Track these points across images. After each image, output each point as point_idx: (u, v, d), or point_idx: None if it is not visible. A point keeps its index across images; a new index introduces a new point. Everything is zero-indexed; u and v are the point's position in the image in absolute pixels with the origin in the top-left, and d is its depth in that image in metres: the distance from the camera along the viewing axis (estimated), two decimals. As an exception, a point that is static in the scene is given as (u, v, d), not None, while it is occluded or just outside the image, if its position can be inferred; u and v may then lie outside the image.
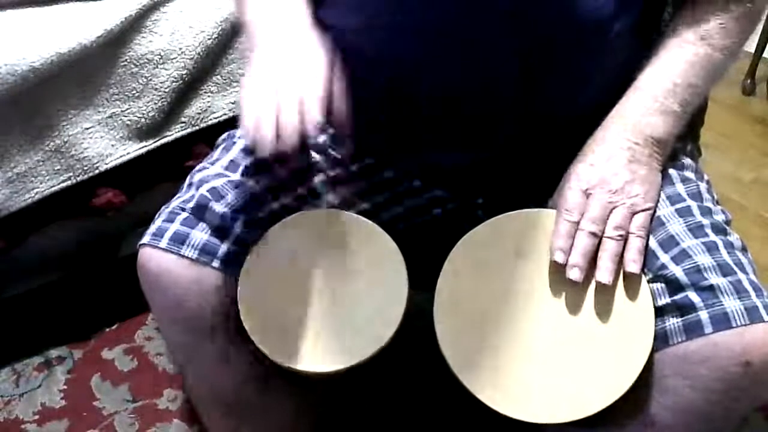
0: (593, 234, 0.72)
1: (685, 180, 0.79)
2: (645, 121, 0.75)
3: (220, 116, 1.29)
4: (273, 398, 0.88)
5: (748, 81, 2.21)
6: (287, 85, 0.71)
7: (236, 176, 0.81)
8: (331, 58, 0.75)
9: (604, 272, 0.71)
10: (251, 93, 0.72)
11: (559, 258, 0.72)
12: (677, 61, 0.76)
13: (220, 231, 0.77)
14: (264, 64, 0.74)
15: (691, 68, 0.76)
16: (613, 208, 0.73)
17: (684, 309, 0.68)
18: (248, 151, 0.84)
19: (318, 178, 0.86)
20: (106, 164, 1.22)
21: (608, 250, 0.71)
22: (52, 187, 1.20)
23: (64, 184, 1.21)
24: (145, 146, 1.25)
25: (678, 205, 0.76)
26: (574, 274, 0.71)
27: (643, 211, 0.73)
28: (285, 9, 0.79)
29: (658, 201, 0.75)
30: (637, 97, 0.77)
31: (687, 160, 0.83)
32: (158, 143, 1.26)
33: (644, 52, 0.79)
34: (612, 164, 0.74)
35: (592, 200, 0.73)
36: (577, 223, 0.73)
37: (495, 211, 0.77)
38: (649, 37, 0.81)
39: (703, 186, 0.80)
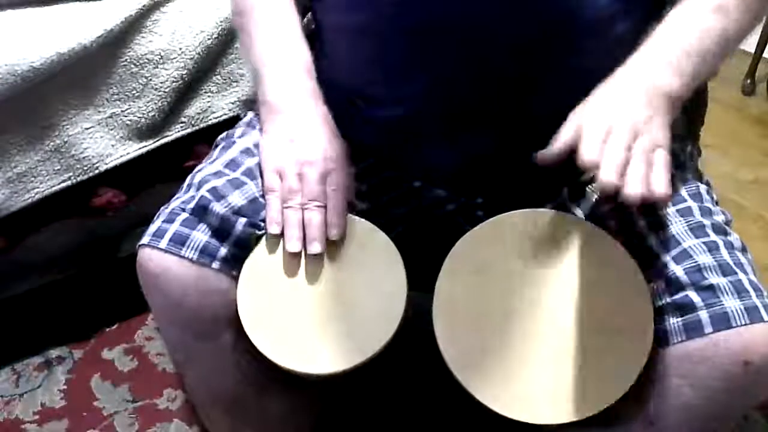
0: (627, 148, 0.66)
1: (685, 180, 0.79)
2: (659, 79, 0.72)
3: (220, 116, 1.29)
4: (272, 399, 0.88)
5: (748, 81, 2.21)
6: (311, 189, 0.76)
7: (236, 176, 0.81)
8: (346, 152, 0.81)
9: (637, 184, 0.64)
10: (272, 180, 0.78)
11: (593, 155, 0.66)
12: (692, 28, 0.74)
13: (220, 232, 0.77)
14: (279, 140, 0.80)
15: (707, 36, 0.73)
16: (638, 136, 0.68)
17: (684, 309, 0.68)
18: (247, 151, 0.84)
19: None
20: (106, 164, 1.22)
21: (637, 167, 0.66)
22: (52, 187, 1.20)
23: (64, 184, 1.21)
24: (145, 146, 1.25)
25: (679, 206, 0.76)
26: (633, 189, 0.64)
27: (664, 147, 0.69)
28: (288, 72, 0.82)
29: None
30: (654, 48, 0.73)
31: (687, 161, 0.83)
32: (158, 143, 1.26)
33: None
34: (631, 100, 0.70)
35: (618, 122, 0.68)
36: (608, 133, 0.68)
37: (495, 211, 0.77)
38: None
39: (703, 186, 0.80)
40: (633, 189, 0.64)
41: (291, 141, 0.79)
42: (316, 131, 0.79)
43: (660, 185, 0.65)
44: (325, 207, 0.77)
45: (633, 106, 0.69)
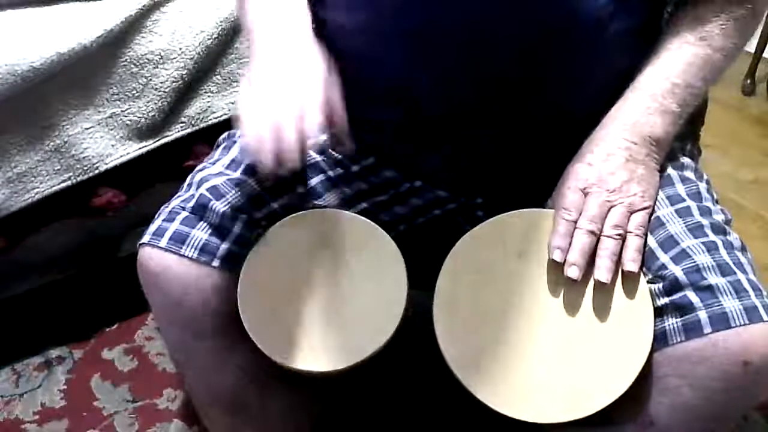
0: (591, 233, 0.72)
1: (684, 180, 0.79)
2: (643, 121, 0.75)
3: (220, 116, 1.29)
4: (272, 398, 0.88)
5: (748, 81, 2.21)
6: (286, 100, 0.71)
7: (237, 176, 0.81)
8: (329, 66, 0.75)
9: (602, 271, 0.71)
10: (250, 107, 0.72)
11: (558, 257, 0.72)
12: (676, 62, 0.77)
13: (220, 230, 0.77)
14: (262, 75, 0.74)
15: (690, 68, 0.76)
16: (611, 207, 0.73)
17: (683, 309, 0.68)
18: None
19: (318, 178, 0.86)
20: (106, 164, 1.22)
21: (607, 248, 0.71)
22: (52, 187, 1.20)
23: (64, 184, 1.21)
24: (145, 146, 1.25)
25: (677, 205, 0.76)
26: (573, 272, 0.71)
27: (641, 210, 0.73)
28: (286, 16, 0.79)
29: (656, 200, 0.75)
30: (636, 96, 0.77)
31: (687, 160, 0.83)
32: (158, 143, 1.26)
33: (644, 53, 0.79)
34: (610, 163, 0.74)
35: (590, 199, 0.73)
36: (575, 221, 0.73)
37: (495, 211, 0.77)
38: (649, 38, 0.81)
39: (702, 186, 0.80)
40: (599, 276, 0.71)
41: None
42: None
43: (629, 266, 0.71)
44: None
45: (611, 170, 0.74)
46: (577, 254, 0.71)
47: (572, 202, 0.74)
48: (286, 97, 0.71)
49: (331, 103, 0.73)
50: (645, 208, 0.74)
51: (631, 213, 0.73)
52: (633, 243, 0.72)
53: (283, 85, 0.72)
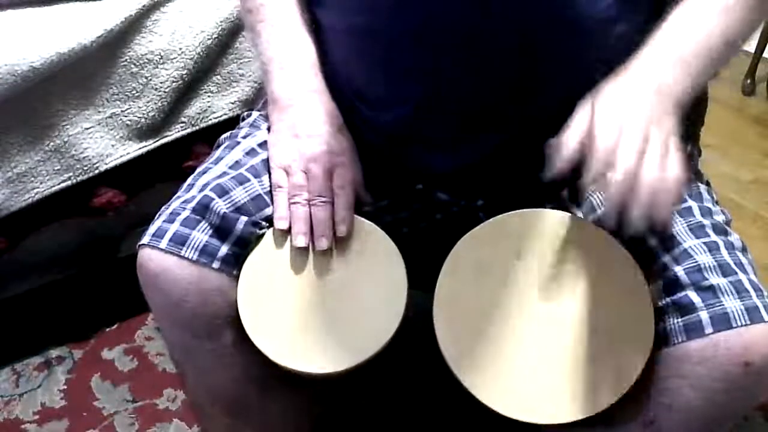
0: (640, 150, 0.66)
1: (684, 180, 0.79)
2: (665, 76, 0.71)
3: (220, 116, 1.29)
4: (272, 398, 0.87)
5: (748, 81, 2.21)
6: (318, 186, 0.77)
7: (237, 176, 0.81)
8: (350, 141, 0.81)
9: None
10: (279, 177, 0.78)
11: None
12: (698, 28, 0.73)
13: (220, 231, 0.77)
14: (285, 136, 0.80)
15: (713, 32, 0.73)
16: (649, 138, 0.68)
17: (684, 309, 0.68)
18: (250, 151, 0.84)
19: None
20: (106, 164, 1.22)
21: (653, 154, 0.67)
22: (52, 187, 1.20)
23: (64, 184, 1.21)
24: (145, 146, 1.25)
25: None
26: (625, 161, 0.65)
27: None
28: (294, 66, 0.83)
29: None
30: (663, 47, 0.73)
31: (687, 161, 0.83)
32: (158, 143, 1.26)
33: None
34: (636, 99, 0.70)
35: (628, 127, 0.68)
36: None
37: (496, 212, 0.77)
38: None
39: (703, 186, 0.80)
40: (649, 174, 0.64)
41: (296, 137, 0.79)
42: (321, 126, 0.80)
43: (674, 169, 0.66)
44: (332, 203, 0.77)
45: (644, 105, 0.69)
46: (634, 161, 0.65)
47: (612, 122, 0.68)
48: (317, 171, 0.78)
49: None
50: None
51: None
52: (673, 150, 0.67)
53: (311, 158, 0.78)
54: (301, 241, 0.76)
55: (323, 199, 0.76)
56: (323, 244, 0.76)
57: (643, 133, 0.67)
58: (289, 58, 0.83)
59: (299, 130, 0.79)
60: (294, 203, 0.76)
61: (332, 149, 0.78)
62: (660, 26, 0.75)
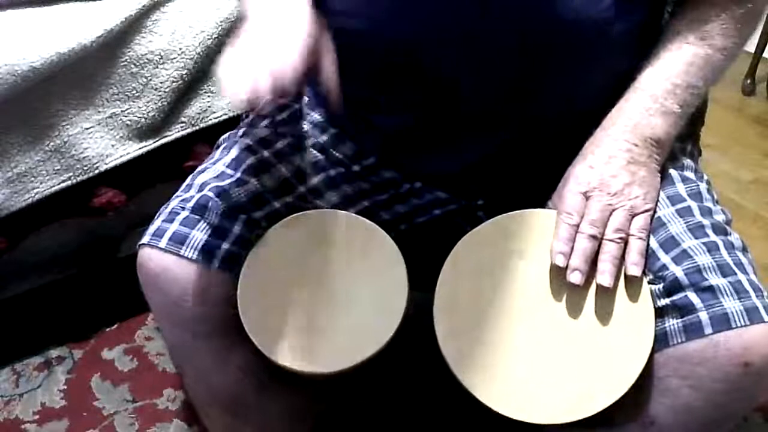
0: (593, 237, 0.72)
1: (685, 180, 0.79)
2: (644, 122, 0.75)
3: (220, 116, 1.29)
4: (272, 398, 0.88)
5: (748, 81, 2.21)
6: (263, 48, 0.69)
7: (237, 176, 0.81)
8: (321, 30, 0.74)
9: (604, 275, 0.71)
10: (231, 57, 0.70)
11: (560, 261, 0.72)
12: (677, 62, 0.76)
13: (219, 231, 0.77)
14: (249, 35, 0.73)
15: (691, 69, 0.76)
16: (613, 210, 0.73)
17: (684, 310, 0.68)
18: (249, 150, 0.84)
19: (319, 178, 0.86)
20: (106, 164, 1.22)
21: (609, 252, 0.71)
22: (52, 187, 1.20)
23: (64, 184, 1.21)
24: (145, 146, 1.25)
25: (678, 206, 0.76)
26: (575, 277, 0.71)
27: (643, 212, 0.73)
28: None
29: (657, 202, 0.75)
30: (637, 97, 0.77)
31: (687, 160, 0.83)
32: (158, 143, 1.26)
33: (645, 54, 0.79)
34: (611, 166, 0.74)
35: (592, 203, 0.73)
36: (577, 225, 0.73)
37: (495, 212, 0.77)
38: (650, 39, 0.81)
39: (703, 186, 0.80)
40: (601, 281, 0.71)
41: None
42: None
43: (632, 270, 0.71)
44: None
45: (612, 173, 0.74)
46: (580, 259, 0.71)
47: (573, 205, 0.73)
48: (263, 46, 0.70)
49: (318, 54, 0.71)
50: (647, 211, 0.73)
51: (633, 216, 0.73)
52: (636, 246, 0.72)
53: (262, 38, 0.71)
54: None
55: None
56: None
57: (601, 217, 0.72)
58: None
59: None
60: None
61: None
62: (655, 27, 0.75)
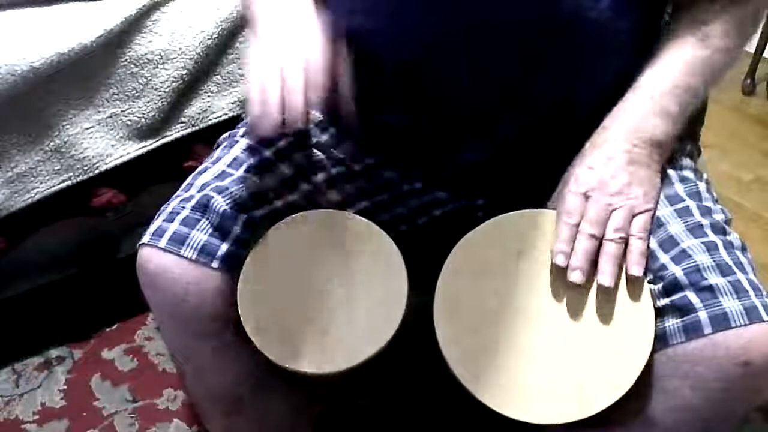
0: (593, 237, 0.72)
1: (684, 180, 0.79)
2: (644, 123, 0.75)
3: (220, 116, 1.29)
4: (272, 398, 0.88)
5: (748, 81, 2.21)
6: (290, 58, 0.71)
7: (237, 175, 0.81)
8: (332, 35, 0.75)
9: (605, 275, 0.71)
10: (256, 68, 0.72)
11: (561, 261, 0.72)
12: (677, 63, 0.76)
13: (220, 231, 0.77)
14: (267, 41, 0.74)
15: (691, 70, 0.76)
16: (613, 210, 0.73)
17: (683, 309, 0.68)
18: (250, 150, 0.84)
19: (320, 177, 0.86)
20: (106, 164, 1.22)
21: (609, 252, 0.71)
22: (52, 187, 1.20)
23: (64, 184, 1.21)
24: (145, 146, 1.25)
25: (677, 205, 0.76)
26: (576, 276, 0.71)
27: (643, 212, 0.73)
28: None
29: (657, 202, 0.75)
30: (637, 98, 0.77)
31: (686, 160, 0.83)
32: (158, 143, 1.26)
33: (645, 54, 0.79)
34: (611, 166, 0.74)
35: (592, 203, 0.73)
36: (577, 226, 0.73)
37: (495, 212, 0.77)
38: (650, 39, 0.81)
39: (702, 186, 0.80)
40: (602, 281, 0.71)
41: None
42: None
43: (633, 270, 0.71)
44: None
45: (612, 173, 0.74)
46: (580, 259, 0.71)
47: (574, 206, 0.74)
48: (290, 48, 0.71)
49: (333, 65, 0.73)
50: (647, 211, 0.73)
51: (633, 216, 0.73)
52: (636, 246, 0.72)
53: (287, 39, 0.72)
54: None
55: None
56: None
57: (606, 210, 0.72)
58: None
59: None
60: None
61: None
62: (655, 26, 0.76)
